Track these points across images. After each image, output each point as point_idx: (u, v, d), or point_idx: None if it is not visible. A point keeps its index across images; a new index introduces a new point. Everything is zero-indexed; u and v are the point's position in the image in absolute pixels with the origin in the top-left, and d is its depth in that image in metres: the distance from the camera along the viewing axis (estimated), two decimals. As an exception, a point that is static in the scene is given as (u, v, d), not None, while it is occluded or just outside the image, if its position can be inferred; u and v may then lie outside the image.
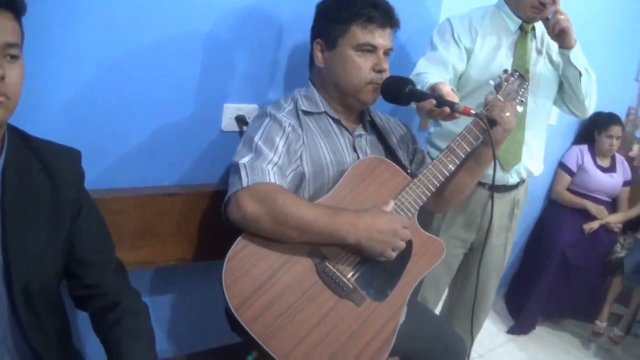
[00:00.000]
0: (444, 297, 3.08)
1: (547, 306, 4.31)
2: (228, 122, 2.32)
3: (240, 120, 2.32)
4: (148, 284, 2.37)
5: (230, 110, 2.31)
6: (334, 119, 2.12)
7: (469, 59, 2.56)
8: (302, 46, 2.37)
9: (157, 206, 2.13)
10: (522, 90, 2.18)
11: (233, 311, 1.75)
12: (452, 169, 2.06)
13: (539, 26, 2.62)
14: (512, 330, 4.26)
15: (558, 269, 4.24)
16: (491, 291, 3.03)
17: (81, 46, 1.91)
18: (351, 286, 1.89)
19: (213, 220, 2.21)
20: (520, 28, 2.60)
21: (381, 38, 2.04)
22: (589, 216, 4.39)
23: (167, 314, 2.49)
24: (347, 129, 2.14)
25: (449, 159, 2.05)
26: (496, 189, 2.64)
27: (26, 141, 1.60)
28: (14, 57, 1.41)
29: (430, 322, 2.42)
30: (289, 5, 2.33)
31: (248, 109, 2.35)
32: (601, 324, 4.35)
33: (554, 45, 2.63)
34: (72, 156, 1.69)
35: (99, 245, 1.72)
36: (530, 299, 4.25)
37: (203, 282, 2.50)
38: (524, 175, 2.77)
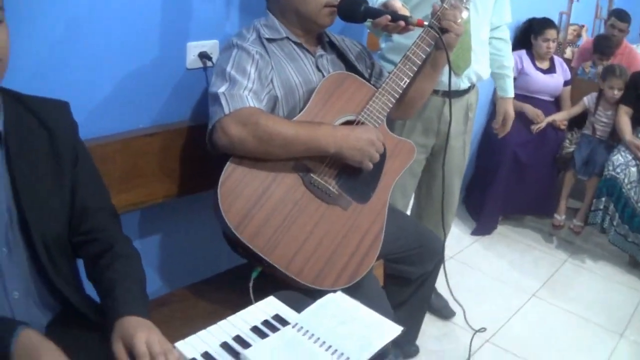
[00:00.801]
0: (411, 203, 3.25)
1: (505, 205, 4.53)
2: (192, 60, 2.40)
3: (204, 56, 2.40)
4: (137, 226, 2.46)
5: (193, 48, 2.39)
6: (296, 43, 2.21)
7: None
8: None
9: (138, 148, 2.22)
10: None
11: (233, 231, 1.87)
12: (411, 75, 2.18)
13: None
14: (475, 232, 4.48)
15: (511, 169, 4.44)
16: (455, 191, 3.21)
17: (44, 3, 1.96)
18: (336, 192, 2.03)
19: (192, 155, 2.35)
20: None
21: None
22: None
23: (158, 252, 2.59)
24: (308, 51, 2.24)
25: (407, 66, 2.17)
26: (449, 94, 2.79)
27: (18, 99, 1.65)
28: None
29: (407, 223, 2.59)
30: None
31: (210, 45, 2.43)
32: (560, 217, 4.55)
33: None
34: (63, 108, 1.75)
35: (95, 192, 1.78)
36: (488, 200, 4.46)
37: (188, 216, 2.61)
38: (474, 79, 2.92)
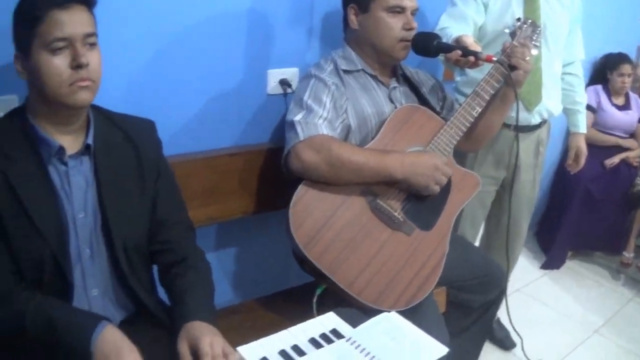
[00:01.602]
0: (480, 233, 3.32)
1: (574, 241, 4.53)
2: (273, 86, 2.56)
3: (284, 83, 2.56)
4: (213, 239, 2.62)
5: (274, 75, 2.55)
6: (370, 75, 2.34)
7: (485, 12, 2.76)
8: (331, 12, 2.61)
9: (220, 166, 2.38)
10: (536, 35, 2.39)
11: (302, 249, 2.00)
12: (479, 110, 2.28)
13: None
14: (545, 266, 4.48)
15: (582, 204, 4.43)
16: (524, 224, 3.25)
17: (140, 27, 2.14)
18: (401, 219, 2.14)
19: (269, 176, 2.49)
20: (529, -22, 2.79)
21: (409, 0, 2.26)
22: (608, 151, 4.56)
23: (232, 265, 2.74)
24: (382, 83, 2.36)
25: (476, 101, 2.27)
26: (521, 129, 2.84)
27: (107, 116, 1.82)
28: (93, 45, 1.62)
29: (472, 252, 2.67)
30: (318, -24, 2.56)
31: (290, 73, 2.58)
32: (628, 255, 4.49)
33: None
34: (149, 126, 1.91)
35: (174, 206, 1.92)
36: (558, 234, 4.46)
37: (261, 232, 2.75)
38: (546, 115, 2.98)
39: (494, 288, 2.61)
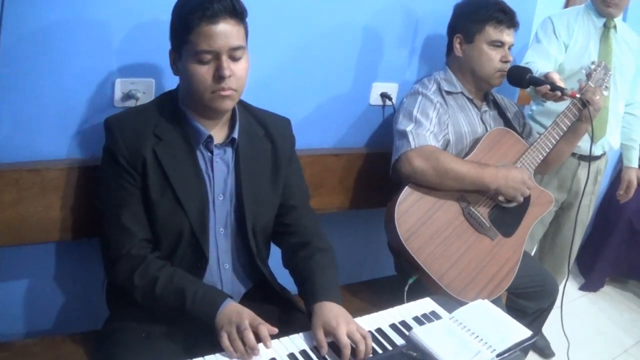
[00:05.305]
0: (535, 248, 3.63)
1: (614, 268, 4.77)
2: (375, 98, 2.84)
3: (385, 95, 2.84)
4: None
5: (377, 88, 2.83)
6: (467, 98, 2.65)
7: (565, 51, 3.07)
8: (431, 36, 2.89)
9: (325, 164, 2.66)
10: (607, 78, 2.67)
11: (403, 243, 2.30)
12: (558, 138, 2.58)
13: (619, 23, 3.15)
14: (583, 288, 4.74)
15: (624, 234, 4.67)
16: (576, 244, 3.53)
17: (267, 38, 2.38)
18: (488, 225, 2.45)
19: (365, 177, 2.77)
20: (605, 25, 3.11)
21: (508, 36, 2.57)
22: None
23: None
24: (476, 106, 2.67)
25: (555, 131, 2.57)
26: (584, 158, 3.17)
27: (250, 111, 2.03)
28: (239, 58, 1.76)
29: (532, 263, 2.96)
30: (424, 4, 2.82)
31: (391, 87, 2.86)
32: (663, 285, 4.74)
33: (631, 39, 3.18)
34: (286, 124, 2.13)
35: (299, 192, 2.12)
36: (598, 260, 4.71)
37: (350, 228, 3.02)
38: (606, 148, 3.29)
39: (547, 297, 2.95)
